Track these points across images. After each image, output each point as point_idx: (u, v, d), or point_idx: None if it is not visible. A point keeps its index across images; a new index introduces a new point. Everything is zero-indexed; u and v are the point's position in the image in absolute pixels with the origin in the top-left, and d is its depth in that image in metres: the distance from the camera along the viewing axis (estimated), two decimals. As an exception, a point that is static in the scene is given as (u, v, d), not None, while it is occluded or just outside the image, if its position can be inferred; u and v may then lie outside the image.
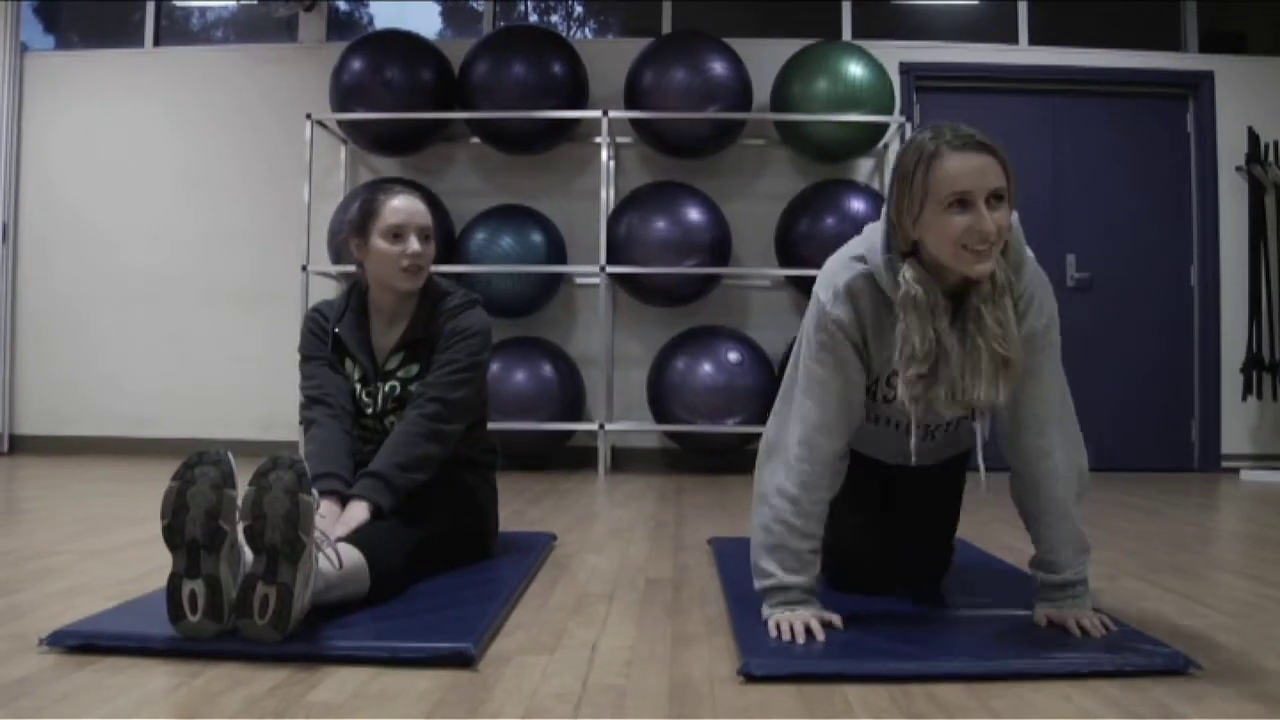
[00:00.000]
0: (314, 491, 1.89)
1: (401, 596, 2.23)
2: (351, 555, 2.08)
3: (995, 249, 1.89)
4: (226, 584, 1.85)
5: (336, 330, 2.71)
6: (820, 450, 2.03)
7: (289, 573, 1.81)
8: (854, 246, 2.08)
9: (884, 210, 2.02)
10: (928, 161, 1.90)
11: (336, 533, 2.20)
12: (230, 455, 1.92)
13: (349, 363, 2.69)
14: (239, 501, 1.88)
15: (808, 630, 1.94)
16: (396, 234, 2.61)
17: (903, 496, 2.41)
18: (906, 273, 1.95)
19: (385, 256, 2.61)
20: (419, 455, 2.49)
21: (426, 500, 2.49)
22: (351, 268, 2.81)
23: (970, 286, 1.95)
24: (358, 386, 2.66)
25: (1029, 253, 2.05)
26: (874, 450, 2.33)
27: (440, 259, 5.65)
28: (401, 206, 2.64)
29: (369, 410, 2.64)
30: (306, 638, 1.85)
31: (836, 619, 2.01)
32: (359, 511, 2.33)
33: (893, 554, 2.34)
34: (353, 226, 2.69)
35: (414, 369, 2.66)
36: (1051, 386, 2.16)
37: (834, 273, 2.05)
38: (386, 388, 2.65)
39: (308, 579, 1.85)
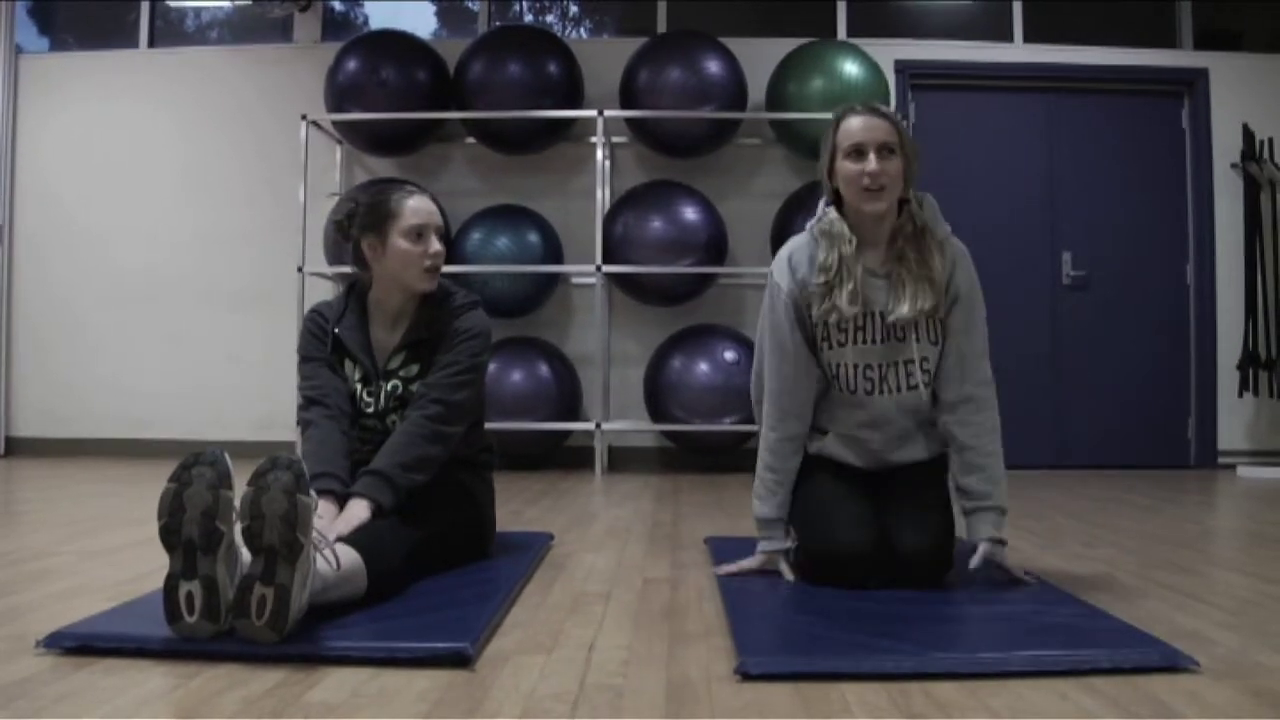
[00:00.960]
0: (312, 492, 1.89)
1: (399, 597, 2.22)
2: (349, 556, 2.07)
3: (887, 191, 2.41)
4: (223, 585, 1.84)
5: (336, 331, 2.70)
6: (780, 397, 2.55)
7: (287, 573, 1.81)
8: (808, 227, 2.56)
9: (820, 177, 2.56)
10: (836, 123, 2.48)
11: (337, 530, 2.20)
12: (226, 456, 1.92)
13: (349, 364, 2.68)
14: (236, 502, 1.87)
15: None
16: (419, 234, 2.62)
17: (890, 495, 2.52)
18: (830, 213, 2.50)
19: (407, 256, 2.61)
20: (420, 456, 2.49)
21: (424, 500, 2.48)
22: (349, 269, 2.79)
23: (895, 233, 2.47)
24: (359, 387, 2.65)
25: (947, 227, 2.54)
26: (850, 452, 2.58)
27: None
28: (422, 207, 2.66)
29: (370, 410, 2.64)
30: (304, 638, 1.85)
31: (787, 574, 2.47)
32: (359, 509, 2.33)
33: (883, 545, 2.41)
34: (364, 226, 2.66)
35: (415, 369, 2.65)
36: (982, 344, 2.57)
37: (785, 248, 2.57)
38: (389, 387, 2.64)
39: (305, 580, 1.85)
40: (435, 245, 2.64)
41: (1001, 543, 2.46)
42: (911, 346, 2.48)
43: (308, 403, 2.61)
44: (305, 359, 2.69)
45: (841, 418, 2.57)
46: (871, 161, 2.38)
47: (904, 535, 2.41)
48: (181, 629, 1.83)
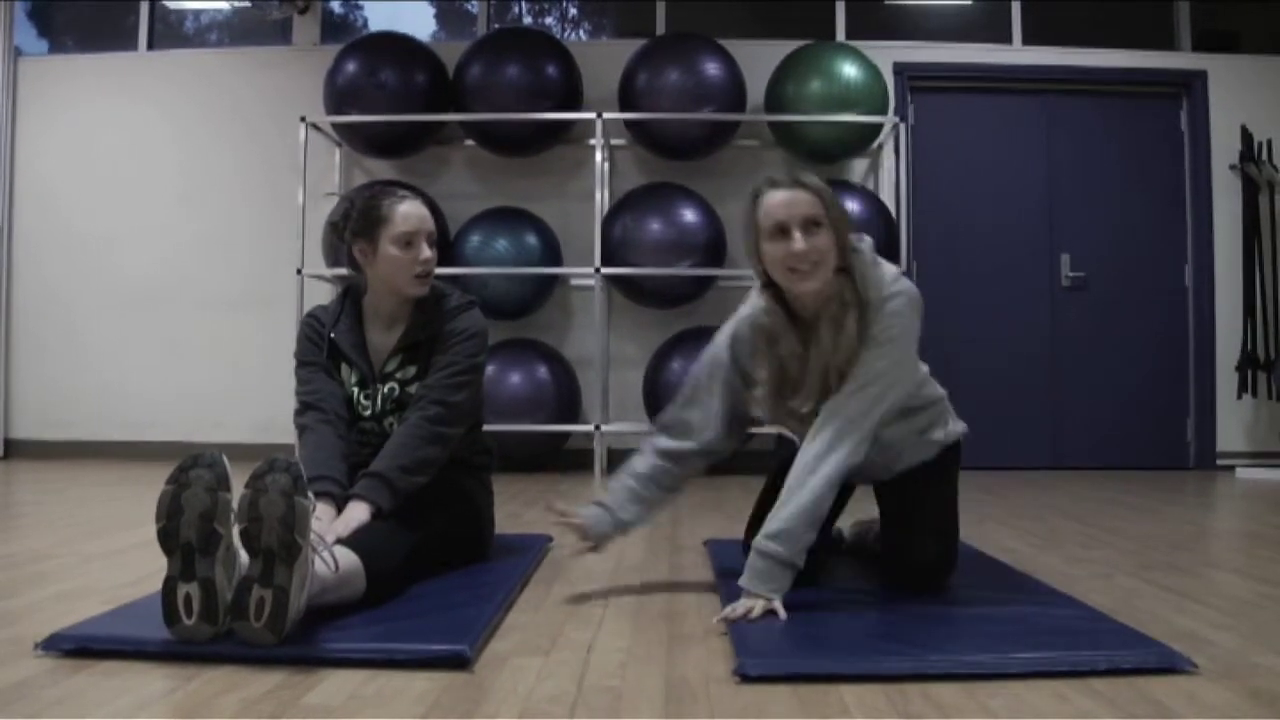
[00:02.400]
0: (310, 494, 1.89)
1: (397, 598, 2.22)
2: (348, 558, 2.07)
3: (818, 269, 2.20)
4: (221, 587, 1.84)
5: (332, 335, 2.71)
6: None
7: (285, 575, 1.81)
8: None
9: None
10: (754, 202, 2.27)
11: (335, 532, 2.21)
12: (224, 458, 1.92)
13: (345, 367, 2.69)
14: (234, 504, 1.87)
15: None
16: (408, 242, 2.62)
17: (898, 503, 2.49)
18: (759, 303, 2.33)
19: (397, 263, 2.62)
20: (420, 458, 2.49)
21: (422, 502, 2.48)
22: (348, 271, 2.81)
23: (821, 309, 2.24)
24: (355, 390, 2.66)
25: (885, 272, 2.28)
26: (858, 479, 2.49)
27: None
28: (412, 213, 2.65)
29: (367, 413, 2.65)
30: (302, 640, 1.85)
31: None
32: (359, 511, 2.33)
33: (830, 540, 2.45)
34: (356, 230, 2.67)
35: (412, 370, 2.66)
36: (864, 373, 2.23)
37: (730, 326, 2.42)
38: (385, 389, 2.65)
39: (304, 582, 1.85)
40: (425, 252, 2.64)
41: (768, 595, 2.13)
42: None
43: (304, 408, 2.62)
44: (302, 364, 2.70)
45: None
46: (797, 241, 2.18)
47: (913, 549, 2.37)
48: (180, 631, 1.83)
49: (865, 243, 2.31)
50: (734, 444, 2.49)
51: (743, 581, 2.14)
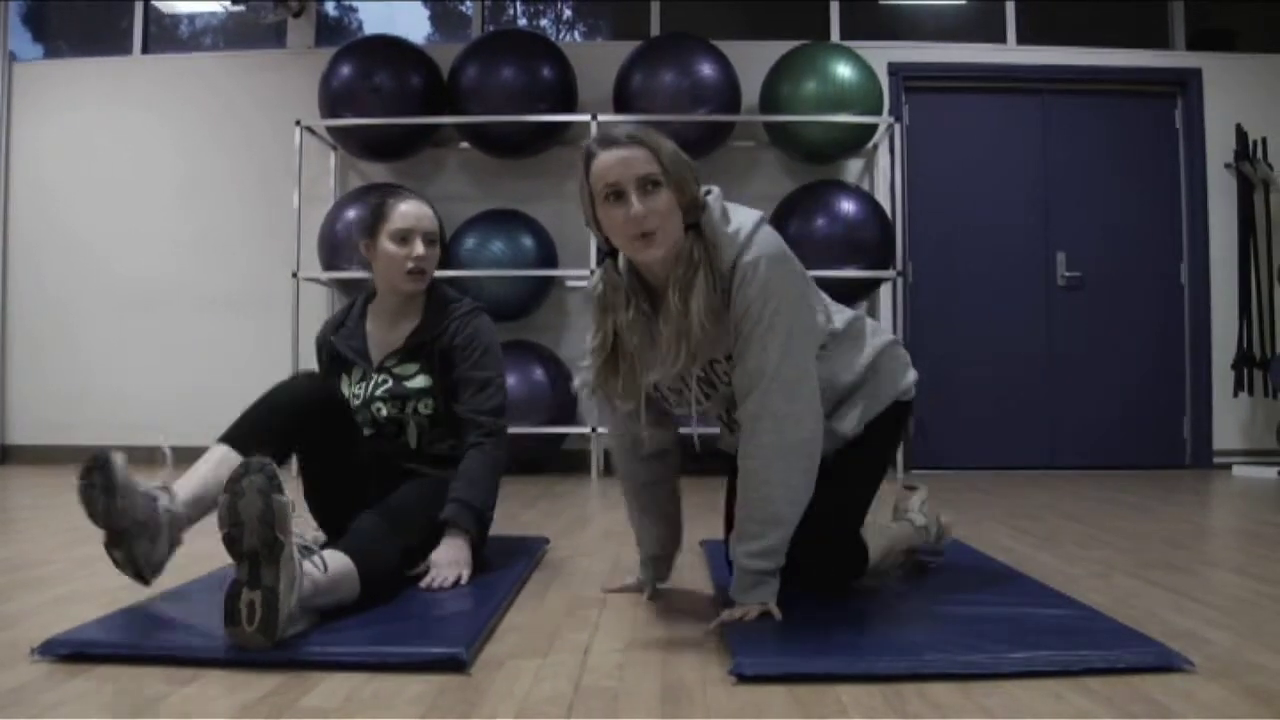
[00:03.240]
0: (287, 492, 1.89)
1: (394, 601, 2.22)
2: (339, 561, 2.07)
3: (661, 233, 1.98)
4: (284, 597, 1.82)
5: (333, 339, 2.84)
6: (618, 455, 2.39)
7: (271, 575, 1.80)
8: None
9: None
10: (586, 163, 2.07)
11: (443, 569, 2.38)
12: (272, 461, 1.90)
13: (353, 369, 2.78)
14: (289, 506, 1.88)
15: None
16: (403, 238, 2.72)
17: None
18: (598, 272, 2.16)
19: (391, 258, 2.72)
20: (493, 486, 2.66)
21: (418, 503, 2.50)
22: (343, 274, 2.88)
23: (669, 272, 2.03)
24: (351, 385, 2.72)
25: (739, 225, 2.04)
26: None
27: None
28: (409, 211, 2.75)
29: (358, 401, 2.73)
30: (299, 644, 1.85)
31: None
32: (463, 544, 2.49)
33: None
34: (362, 228, 2.82)
35: (412, 368, 2.74)
36: (763, 361, 2.01)
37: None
38: (378, 378, 2.73)
39: (292, 581, 1.84)
40: (419, 249, 2.73)
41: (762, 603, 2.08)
42: (691, 406, 2.17)
43: None
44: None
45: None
46: (634, 204, 1.97)
47: (801, 544, 2.13)
48: (237, 635, 1.80)
49: (714, 195, 2.08)
50: (670, 430, 2.34)
51: (733, 594, 2.09)
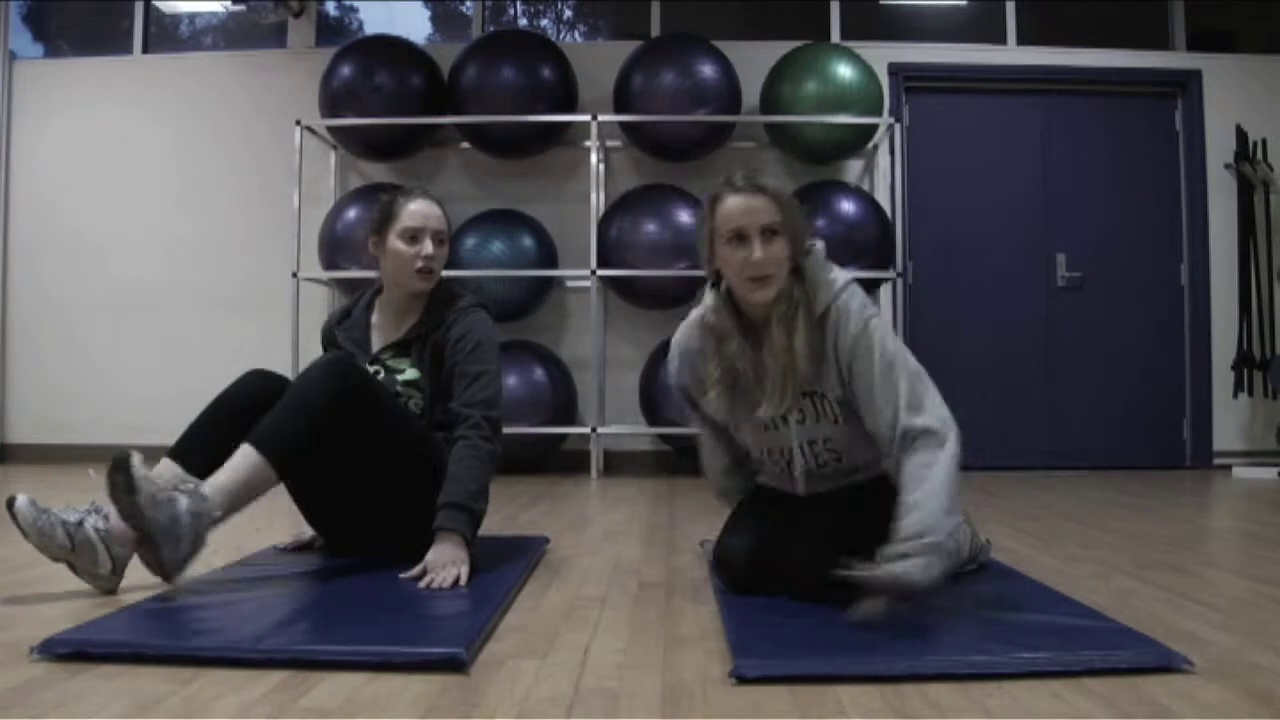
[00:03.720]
0: (132, 454, 2.19)
1: (394, 601, 2.22)
2: (240, 459, 2.32)
3: (774, 278, 2.19)
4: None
5: (336, 330, 2.88)
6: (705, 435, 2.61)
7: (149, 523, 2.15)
8: (704, 302, 2.40)
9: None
10: (712, 204, 2.26)
11: (444, 577, 2.37)
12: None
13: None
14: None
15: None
16: (413, 236, 2.76)
17: (800, 511, 2.40)
18: (708, 301, 2.33)
19: (400, 257, 2.75)
20: (485, 481, 2.60)
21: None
22: (344, 274, 2.90)
23: (770, 310, 2.22)
24: None
25: (836, 275, 2.26)
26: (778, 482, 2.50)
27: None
28: (419, 210, 2.79)
29: None
30: (299, 643, 1.86)
31: None
32: (455, 548, 2.47)
33: (767, 558, 2.31)
34: (372, 226, 2.83)
35: (405, 362, 2.77)
36: (878, 381, 2.16)
37: (679, 334, 2.45)
38: (370, 370, 2.73)
39: (172, 521, 2.17)
40: (428, 248, 2.76)
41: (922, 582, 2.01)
42: (791, 435, 2.31)
43: None
44: None
45: (765, 470, 2.52)
46: (756, 249, 2.17)
47: (789, 546, 2.29)
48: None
49: (819, 246, 2.29)
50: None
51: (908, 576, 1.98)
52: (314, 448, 2.42)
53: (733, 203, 2.22)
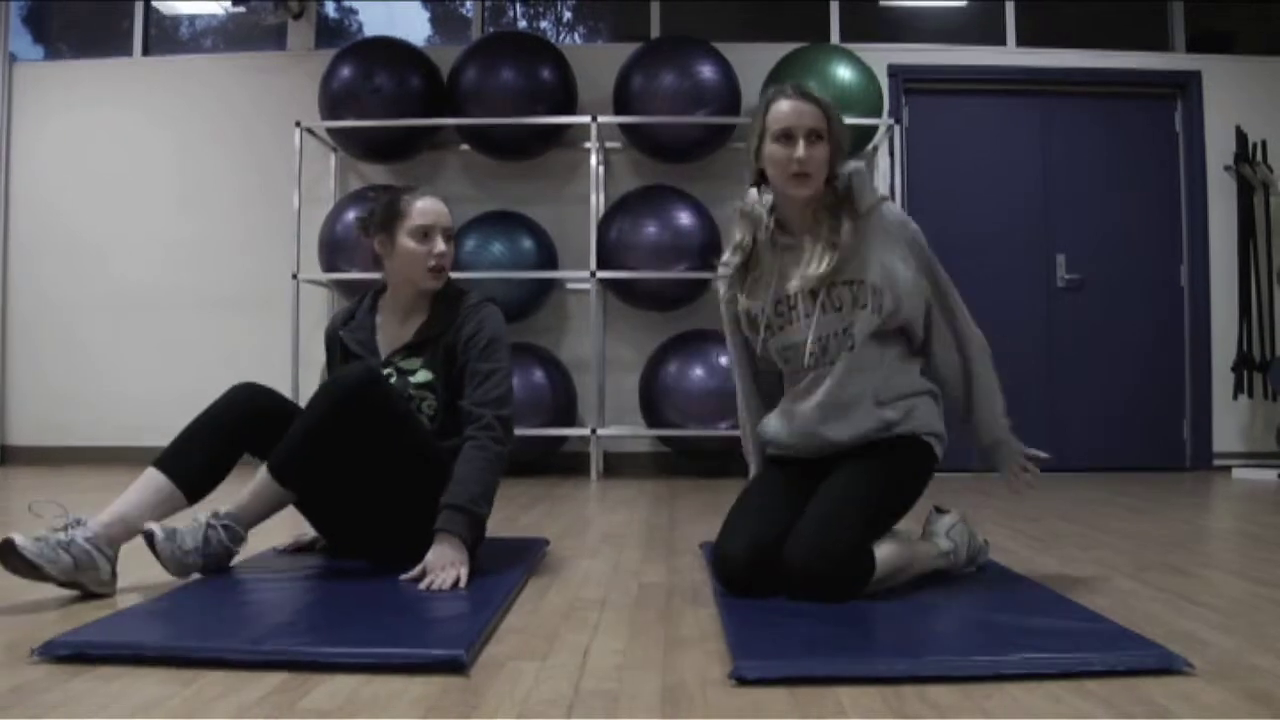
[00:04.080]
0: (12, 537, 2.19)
1: (394, 603, 2.22)
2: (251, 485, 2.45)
3: (813, 178, 2.39)
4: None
5: (341, 334, 2.84)
6: (736, 365, 2.69)
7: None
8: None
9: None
10: (765, 105, 2.45)
11: (444, 578, 2.38)
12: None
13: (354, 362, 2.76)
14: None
15: None
16: (425, 234, 2.73)
17: (812, 494, 2.41)
18: (750, 194, 2.52)
19: (412, 255, 2.73)
20: (491, 483, 2.62)
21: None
22: (344, 275, 2.87)
23: (814, 209, 2.44)
24: None
25: (880, 191, 2.60)
26: (784, 428, 2.56)
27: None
28: (429, 208, 2.77)
29: None
30: (298, 644, 1.85)
31: None
32: (455, 546, 2.47)
33: (766, 558, 2.30)
34: (378, 225, 2.78)
35: (416, 362, 2.74)
36: (944, 287, 2.57)
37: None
38: (383, 374, 2.70)
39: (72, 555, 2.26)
40: (440, 245, 2.75)
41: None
42: (806, 323, 2.45)
43: None
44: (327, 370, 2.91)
45: (787, 389, 2.60)
46: (800, 148, 2.36)
47: (795, 548, 2.25)
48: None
49: (862, 165, 2.53)
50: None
51: (1006, 458, 2.65)
52: (320, 458, 2.49)
53: (784, 105, 2.41)
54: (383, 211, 2.78)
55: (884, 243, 2.42)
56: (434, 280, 2.77)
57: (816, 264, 2.39)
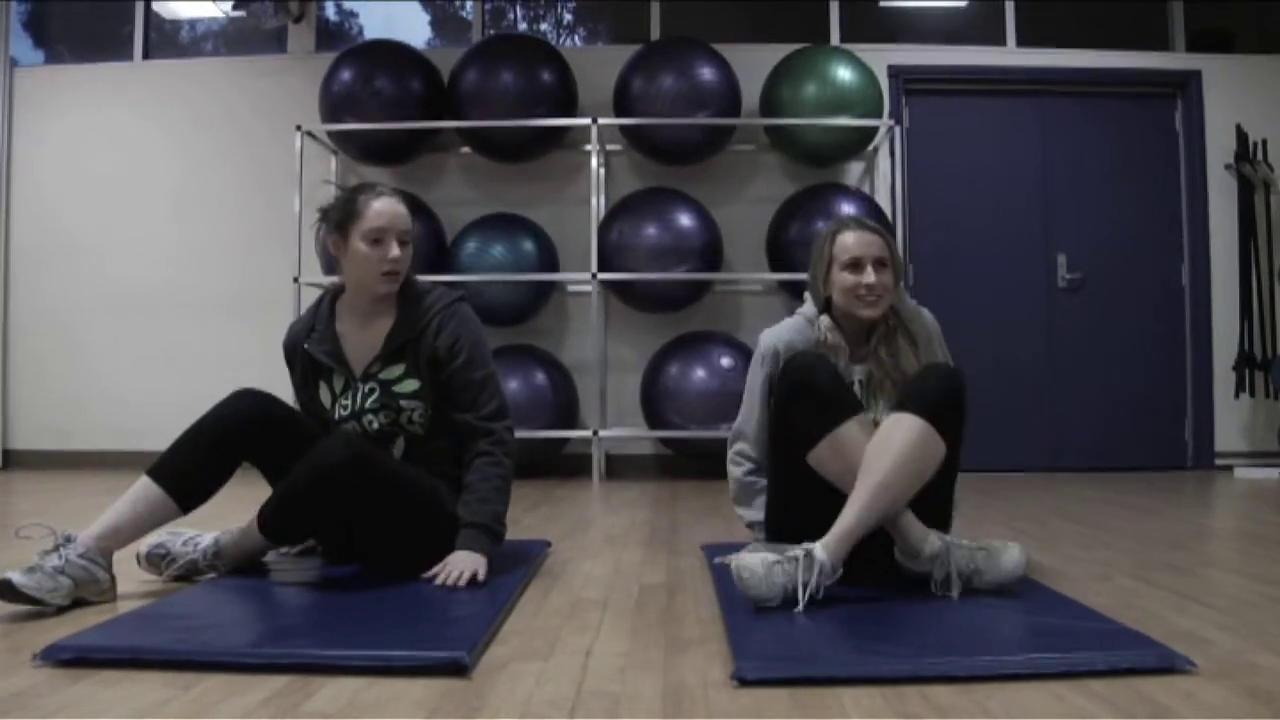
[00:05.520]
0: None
1: (395, 606, 2.23)
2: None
3: (882, 300, 2.61)
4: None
5: (306, 347, 2.73)
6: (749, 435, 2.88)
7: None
8: (800, 312, 2.78)
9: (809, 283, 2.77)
10: (832, 236, 2.68)
11: (462, 571, 2.41)
12: None
13: (329, 376, 2.71)
14: None
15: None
16: (377, 239, 2.61)
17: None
18: (823, 322, 2.68)
19: (364, 260, 2.62)
20: (505, 499, 2.66)
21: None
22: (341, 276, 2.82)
23: (871, 330, 2.65)
24: (337, 395, 2.69)
25: (918, 307, 2.79)
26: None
27: (432, 268, 5.66)
28: (384, 210, 2.63)
29: (346, 411, 2.67)
30: (300, 647, 1.86)
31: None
32: (478, 554, 2.48)
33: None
34: (332, 223, 2.67)
35: (397, 370, 2.66)
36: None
37: (783, 331, 2.74)
38: (365, 388, 2.67)
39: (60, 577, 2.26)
40: (394, 251, 2.62)
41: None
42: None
43: None
44: (296, 392, 2.85)
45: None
46: (870, 274, 2.57)
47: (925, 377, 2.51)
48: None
49: (904, 290, 2.78)
50: None
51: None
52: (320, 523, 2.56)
53: (851, 236, 2.64)
54: (338, 210, 2.66)
55: (926, 347, 2.70)
56: (387, 285, 2.64)
57: (883, 400, 2.60)
